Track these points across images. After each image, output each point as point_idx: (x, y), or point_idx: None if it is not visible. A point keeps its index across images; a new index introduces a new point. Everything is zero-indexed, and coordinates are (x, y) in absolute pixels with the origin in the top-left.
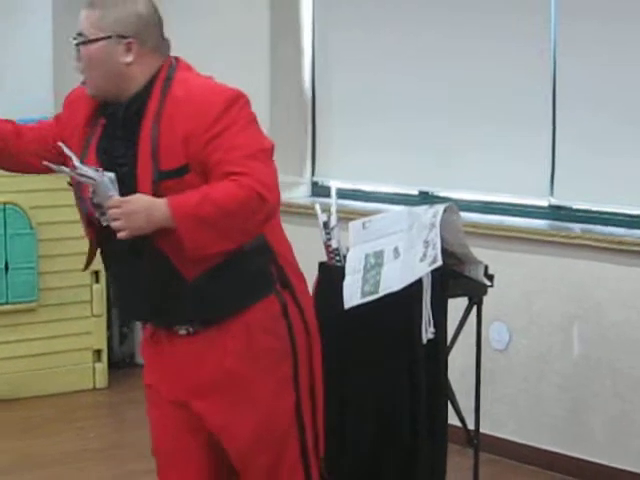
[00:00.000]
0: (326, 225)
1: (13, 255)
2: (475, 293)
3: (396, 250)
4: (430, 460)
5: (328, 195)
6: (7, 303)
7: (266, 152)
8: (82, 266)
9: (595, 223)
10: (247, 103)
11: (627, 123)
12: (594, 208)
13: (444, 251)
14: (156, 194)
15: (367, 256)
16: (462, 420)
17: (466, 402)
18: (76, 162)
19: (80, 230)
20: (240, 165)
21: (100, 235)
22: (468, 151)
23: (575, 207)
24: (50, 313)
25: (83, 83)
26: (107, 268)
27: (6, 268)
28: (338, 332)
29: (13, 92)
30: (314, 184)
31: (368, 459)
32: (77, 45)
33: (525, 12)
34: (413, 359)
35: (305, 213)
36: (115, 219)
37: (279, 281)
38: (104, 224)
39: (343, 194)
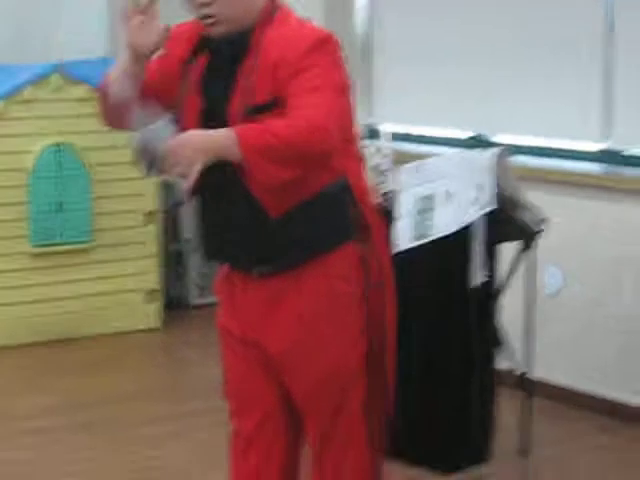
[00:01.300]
0: (378, 168)
1: (67, 196)
2: (528, 237)
3: (448, 193)
4: (482, 403)
5: (380, 137)
6: (61, 243)
7: (341, 91)
8: (135, 207)
9: None
10: (336, 46)
11: None
12: None
13: (497, 195)
14: None
15: (419, 199)
16: (514, 364)
17: (518, 346)
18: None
19: (133, 171)
20: (308, 101)
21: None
22: (521, 94)
23: (630, 152)
24: (104, 254)
25: (212, 24)
26: (197, 204)
27: (60, 208)
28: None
29: (69, 33)
30: (368, 126)
31: (420, 402)
32: None
33: None
34: (465, 302)
35: None
36: (172, 167)
37: (359, 227)
38: (153, 174)
39: (397, 137)
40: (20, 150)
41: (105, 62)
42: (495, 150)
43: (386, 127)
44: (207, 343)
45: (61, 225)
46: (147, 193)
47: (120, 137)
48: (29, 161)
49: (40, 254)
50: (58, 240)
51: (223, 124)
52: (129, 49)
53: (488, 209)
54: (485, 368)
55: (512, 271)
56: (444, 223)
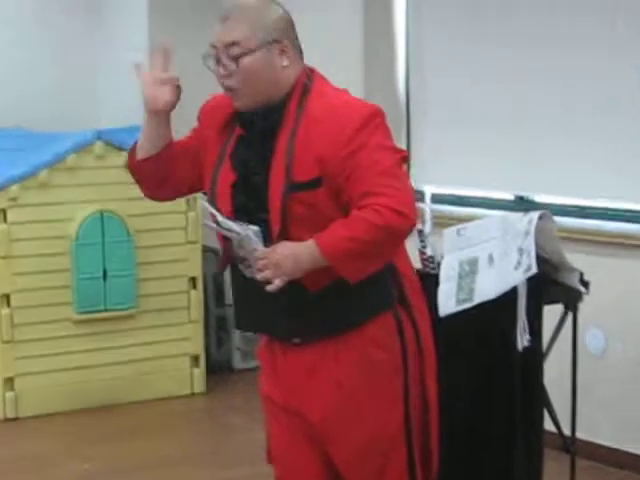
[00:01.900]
0: (421, 232)
1: (111, 263)
2: (570, 300)
3: (490, 257)
4: (526, 467)
5: (423, 200)
6: (106, 310)
7: (399, 165)
8: (179, 272)
9: None
10: (383, 119)
11: None
12: None
13: (539, 258)
14: (285, 205)
15: (461, 263)
16: (558, 426)
17: (562, 408)
18: (220, 217)
19: (176, 237)
20: (375, 184)
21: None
22: (564, 155)
23: None
24: (148, 319)
25: (233, 96)
26: (232, 277)
27: (105, 276)
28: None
29: (106, 100)
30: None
31: (464, 466)
32: (236, 58)
33: (622, 20)
34: (509, 366)
35: None
36: (263, 270)
37: (398, 298)
38: (249, 276)
39: (437, 199)
40: (64, 218)
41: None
42: (536, 213)
43: (427, 189)
44: (251, 408)
45: (105, 292)
46: (191, 258)
47: (163, 204)
48: (73, 228)
49: (84, 321)
50: (102, 307)
51: (255, 198)
52: (145, 105)
53: (531, 273)
54: (530, 431)
55: (556, 333)
56: (487, 287)
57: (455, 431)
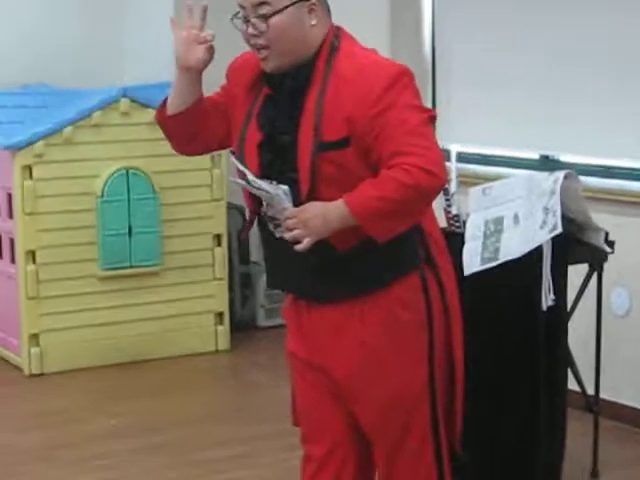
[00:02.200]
0: (446, 191)
1: (136, 219)
2: (595, 260)
3: (516, 217)
4: (550, 425)
5: (448, 159)
6: (131, 267)
7: (427, 124)
8: (203, 230)
9: None
10: (411, 79)
11: None
12: None
13: (564, 218)
14: (315, 165)
15: (487, 222)
16: (582, 386)
17: (586, 368)
18: (250, 176)
19: (201, 194)
20: (403, 144)
21: (258, 202)
22: (589, 115)
23: None
24: (173, 276)
25: (263, 57)
26: (261, 236)
27: (130, 232)
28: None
29: (134, 57)
30: None
31: (488, 425)
32: (266, 17)
33: None
34: (533, 325)
35: None
36: (292, 229)
37: (424, 258)
38: (278, 235)
39: (463, 158)
40: (89, 175)
41: (171, 86)
42: (562, 173)
43: (453, 148)
44: (275, 365)
45: (130, 249)
46: (216, 216)
47: (188, 160)
48: (98, 185)
49: (109, 277)
50: (127, 263)
51: (283, 157)
52: (177, 61)
53: (556, 233)
54: (553, 391)
55: (580, 293)
56: (512, 246)
57: (479, 390)
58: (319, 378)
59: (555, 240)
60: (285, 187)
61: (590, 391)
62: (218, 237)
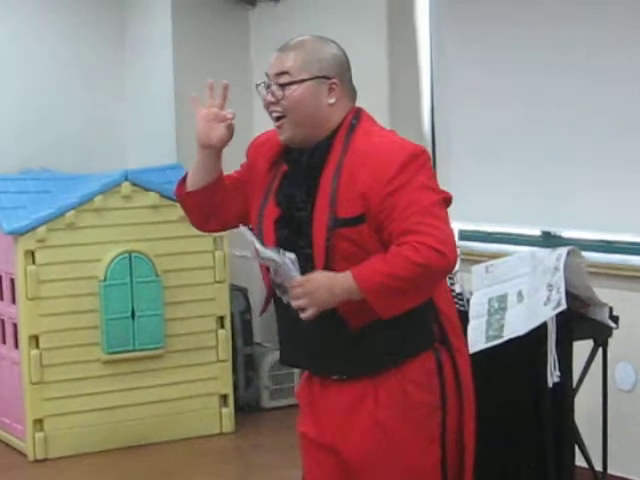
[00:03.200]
0: None
1: (139, 302)
2: (600, 335)
3: (520, 294)
4: None
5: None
6: (134, 350)
7: (441, 205)
8: (206, 312)
9: None
10: (427, 160)
11: None
12: None
13: (568, 294)
14: (329, 241)
15: (491, 300)
16: (589, 462)
17: (593, 444)
18: (258, 245)
19: (204, 276)
20: (415, 223)
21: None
22: (590, 190)
23: None
24: (176, 359)
25: (278, 126)
26: (277, 313)
27: (133, 315)
28: None
29: (137, 142)
30: None
31: None
32: (282, 85)
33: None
34: (539, 402)
35: None
36: (298, 298)
37: (439, 338)
38: (285, 302)
39: (465, 235)
40: (92, 259)
41: (173, 169)
42: (565, 249)
43: (455, 226)
44: (280, 447)
45: (134, 332)
46: (218, 298)
47: (191, 243)
48: (101, 269)
49: (113, 361)
50: (131, 347)
51: (299, 233)
52: (198, 139)
53: (560, 309)
54: (561, 468)
55: (586, 369)
56: (517, 323)
57: (487, 468)
58: (329, 459)
59: (559, 316)
60: (292, 255)
61: (598, 467)
62: (221, 319)
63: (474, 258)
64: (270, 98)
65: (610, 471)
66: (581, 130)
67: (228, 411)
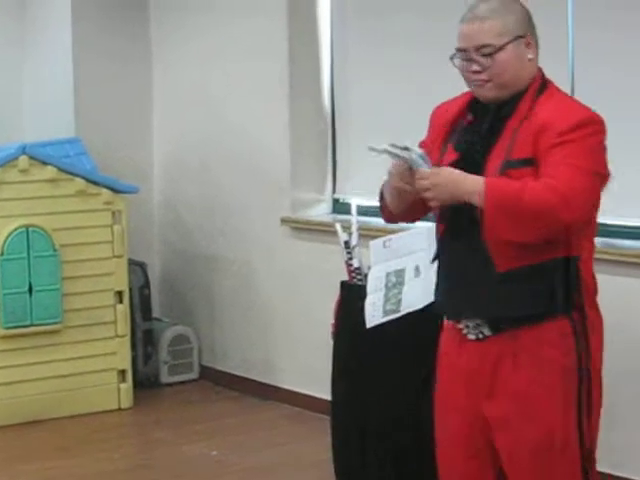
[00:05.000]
0: (347, 244)
1: (37, 277)
2: None
3: (417, 269)
4: None
5: (349, 212)
6: (32, 325)
7: (596, 175)
8: (105, 287)
9: None
10: (602, 130)
11: None
12: None
13: None
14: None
15: (388, 275)
16: None
17: None
18: (385, 145)
19: (102, 251)
20: (563, 172)
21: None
22: None
23: None
24: (74, 334)
25: (482, 88)
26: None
27: (30, 290)
28: (361, 351)
29: (35, 114)
30: (335, 201)
31: (391, 472)
32: (491, 55)
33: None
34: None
35: (326, 231)
36: (424, 189)
37: (576, 306)
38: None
39: (364, 211)
40: None
41: (72, 143)
42: None
43: (354, 201)
44: (179, 421)
45: (31, 307)
46: (117, 272)
47: (89, 217)
48: None
49: (11, 336)
50: (28, 322)
51: (478, 172)
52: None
53: None
54: None
55: None
56: (414, 298)
57: (381, 437)
58: (466, 416)
59: None
60: (421, 151)
61: None
62: (120, 294)
63: (372, 233)
64: (476, 68)
65: None
66: None
67: (127, 386)
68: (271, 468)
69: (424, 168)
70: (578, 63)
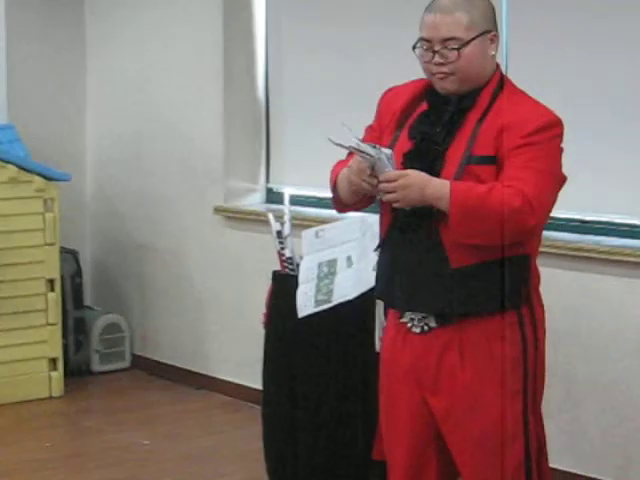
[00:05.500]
0: (279, 234)
1: None
2: None
3: (349, 259)
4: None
5: (282, 202)
6: None
7: (557, 179)
8: (36, 274)
9: None
10: (562, 133)
11: None
12: None
13: None
14: (458, 175)
15: (320, 265)
16: None
17: None
18: (355, 140)
19: (33, 238)
20: (527, 175)
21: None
22: None
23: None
24: (5, 322)
25: (444, 80)
26: (383, 244)
27: None
28: (292, 341)
29: None
30: (268, 191)
31: (322, 468)
32: (457, 49)
33: None
34: (367, 367)
35: (259, 220)
36: (389, 192)
37: (525, 302)
38: (378, 198)
39: (297, 200)
40: None
41: (4, 129)
42: None
43: (286, 191)
44: (110, 410)
45: None
46: (48, 260)
47: (19, 204)
48: None
49: None
50: None
51: (427, 165)
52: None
53: None
54: None
55: None
56: (346, 288)
57: (314, 432)
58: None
59: None
60: (388, 151)
61: None
62: (51, 282)
63: (304, 223)
64: (439, 60)
65: None
66: None
67: (58, 375)
68: (203, 457)
69: (389, 169)
70: (513, 43)
